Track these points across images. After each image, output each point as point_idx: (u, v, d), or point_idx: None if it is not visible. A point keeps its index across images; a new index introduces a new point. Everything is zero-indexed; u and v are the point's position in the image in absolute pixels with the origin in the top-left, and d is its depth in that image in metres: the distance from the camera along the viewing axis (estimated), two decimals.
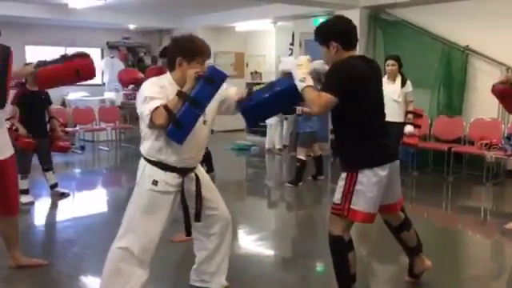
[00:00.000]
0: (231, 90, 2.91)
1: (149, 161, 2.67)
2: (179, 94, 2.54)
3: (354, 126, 2.68)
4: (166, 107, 2.49)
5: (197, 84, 2.56)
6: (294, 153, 7.01)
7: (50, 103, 5.57)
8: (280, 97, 2.84)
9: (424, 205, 5.59)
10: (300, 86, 2.65)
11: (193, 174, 2.79)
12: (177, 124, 2.51)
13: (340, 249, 2.80)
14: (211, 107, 2.72)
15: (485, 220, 5.37)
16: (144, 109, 2.53)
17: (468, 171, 6.69)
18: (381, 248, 4.09)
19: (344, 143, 2.82)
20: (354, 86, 2.61)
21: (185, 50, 2.64)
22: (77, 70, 3.98)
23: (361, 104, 2.64)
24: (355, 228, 2.91)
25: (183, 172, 2.71)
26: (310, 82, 2.65)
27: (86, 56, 4.19)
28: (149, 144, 2.66)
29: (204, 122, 2.72)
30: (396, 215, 3.05)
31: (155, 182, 2.64)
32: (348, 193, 2.71)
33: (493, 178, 6.34)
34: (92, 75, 4.25)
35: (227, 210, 3.02)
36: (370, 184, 2.67)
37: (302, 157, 6.16)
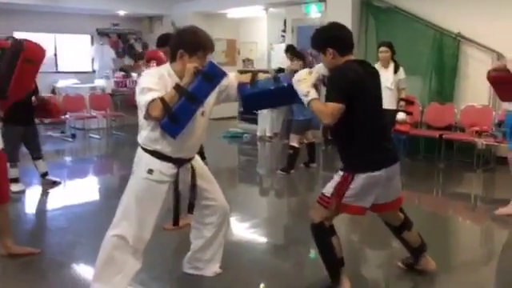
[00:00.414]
0: (231, 77, 2.87)
1: (145, 150, 2.67)
2: (177, 87, 2.53)
3: (353, 128, 2.68)
4: (162, 100, 2.48)
5: (195, 79, 2.54)
6: (286, 140, 7.02)
7: (37, 91, 5.46)
8: (283, 93, 2.83)
9: (415, 191, 5.63)
10: (305, 100, 2.67)
11: (189, 165, 2.79)
12: (172, 118, 2.50)
13: (322, 235, 2.83)
14: (210, 98, 2.70)
15: (475, 206, 5.42)
16: (141, 99, 2.53)
17: (459, 158, 6.74)
18: (372, 234, 4.12)
19: (343, 145, 2.83)
20: (353, 89, 2.63)
21: (187, 43, 2.62)
22: (26, 59, 3.28)
23: (359, 107, 2.65)
24: (346, 215, 2.93)
25: (179, 162, 2.71)
26: (313, 95, 2.66)
27: (18, 42, 3.31)
28: (145, 133, 2.66)
29: (202, 112, 2.71)
30: (395, 215, 3.06)
31: (150, 171, 2.64)
32: (340, 190, 2.73)
33: (483, 164, 6.39)
34: (40, 51, 3.50)
35: (225, 201, 3.04)
36: (365, 186, 2.71)
37: (295, 144, 6.17)
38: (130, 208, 2.68)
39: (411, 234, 3.10)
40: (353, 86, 2.64)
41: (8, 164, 4.98)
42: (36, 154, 5.50)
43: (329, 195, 2.77)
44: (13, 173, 5.09)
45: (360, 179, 2.70)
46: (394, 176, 2.86)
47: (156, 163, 2.65)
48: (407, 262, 3.24)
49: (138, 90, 2.58)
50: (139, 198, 2.66)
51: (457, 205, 5.37)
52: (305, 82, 2.70)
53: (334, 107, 2.58)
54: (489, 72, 4.44)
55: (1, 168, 3.38)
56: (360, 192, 2.72)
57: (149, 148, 2.66)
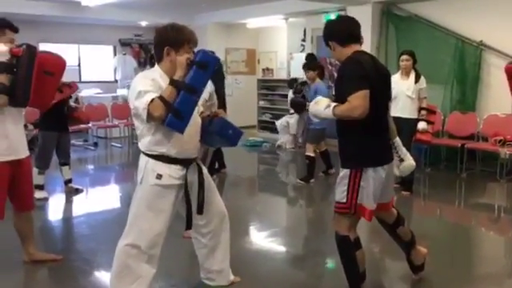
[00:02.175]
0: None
1: (150, 155, 2.64)
2: (173, 82, 2.51)
3: (362, 122, 2.63)
4: (161, 98, 2.46)
5: (190, 70, 2.53)
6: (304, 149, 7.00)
7: (70, 97, 5.63)
8: (210, 132, 2.81)
9: (437, 202, 5.55)
10: (329, 112, 2.66)
11: (195, 164, 2.77)
12: (176, 113, 2.47)
13: (347, 248, 2.81)
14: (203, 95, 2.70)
15: (498, 217, 5.31)
16: (139, 103, 2.50)
17: (482, 168, 6.63)
18: (392, 245, 4.07)
19: (349, 139, 2.79)
20: (368, 79, 2.60)
21: (172, 39, 2.61)
22: (44, 71, 3.27)
23: (369, 100, 2.61)
24: (366, 225, 2.91)
25: (186, 163, 2.69)
26: (332, 103, 2.68)
27: (34, 53, 3.20)
28: (148, 139, 2.63)
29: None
30: (389, 213, 3.06)
31: (159, 176, 2.61)
32: (353, 190, 2.71)
33: (507, 174, 6.27)
34: (60, 62, 3.50)
35: (223, 206, 3.00)
36: (373, 181, 2.69)
37: (310, 153, 6.17)
38: (140, 216, 2.67)
39: (405, 229, 3.11)
40: (367, 74, 2.60)
41: (37, 170, 5.16)
42: (64, 160, 5.64)
43: (344, 200, 2.75)
44: (39, 179, 5.20)
45: (368, 173, 2.68)
46: (391, 174, 2.89)
47: (163, 167, 2.62)
48: (410, 266, 3.23)
49: (133, 94, 2.55)
50: (149, 205, 2.65)
51: (480, 216, 5.28)
52: (322, 102, 2.75)
53: (360, 95, 2.53)
54: (507, 64, 4.37)
55: (26, 175, 3.43)
56: (370, 189, 2.69)
57: (154, 153, 2.63)
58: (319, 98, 2.87)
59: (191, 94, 2.51)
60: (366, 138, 2.70)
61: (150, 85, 2.54)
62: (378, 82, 2.69)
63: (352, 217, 2.77)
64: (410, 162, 3.01)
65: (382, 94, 2.74)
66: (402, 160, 2.98)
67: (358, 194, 2.70)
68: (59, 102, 5.09)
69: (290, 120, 8.74)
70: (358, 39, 2.79)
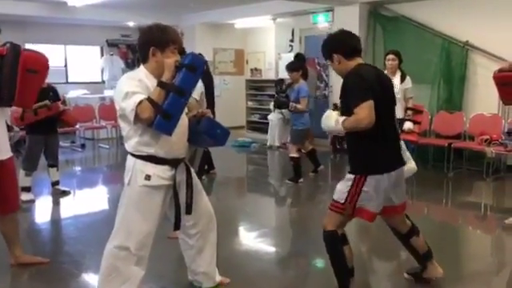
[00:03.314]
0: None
1: (138, 156, 2.61)
2: (162, 84, 2.50)
3: (367, 131, 2.65)
4: (150, 100, 2.45)
5: (179, 73, 2.53)
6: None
7: (59, 99, 5.59)
8: (198, 132, 2.81)
9: (424, 201, 5.59)
10: (340, 127, 2.73)
11: (183, 165, 2.76)
12: (165, 115, 2.45)
13: (335, 243, 2.83)
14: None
15: (485, 215, 5.37)
16: (126, 105, 2.47)
17: (468, 167, 6.70)
18: (380, 244, 4.10)
19: (356, 147, 2.84)
20: (371, 91, 2.65)
21: (157, 39, 2.60)
22: (27, 69, 3.18)
23: (375, 106, 2.64)
24: (354, 224, 2.92)
25: (174, 163, 2.68)
26: (341, 118, 2.74)
27: (18, 52, 3.16)
28: (135, 140, 2.60)
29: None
30: (402, 221, 3.05)
31: (148, 177, 2.59)
32: (355, 194, 2.74)
33: (493, 173, 6.34)
34: (42, 60, 3.41)
35: (210, 206, 2.99)
36: (378, 187, 2.72)
37: (293, 154, 6.18)
38: (128, 217, 2.64)
39: (419, 240, 3.08)
40: (370, 86, 2.66)
41: (24, 172, 5.11)
42: (52, 162, 5.60)
43: (342, 201, 2.77)
44: (26, 181, 5.15)
45: (373, 180, 2.71)
46: (402, 178, 2.90)
47: (152, 168, 2.60)
48: (413, 272, 3.22)
49: (119, 96, 2.52)
50: (137, 207, 2.62)
51: (466, 214, 5.33)
52: (331, 118, 2.81)
53: (365, 107, 2.59)
54: (494, 72, 4.44)
55: (10, 176, 3.39)
56: (373, 194, 2.72)
57: (142, 154, 2.60)
58: (328, 112, 2.92)
59: (180, 96, 2.51)
60: (372, 147, 2.74)
61: (136, 85, 2.52)
62: (382, 92, 2.75)
63: (344, 217, 2.80)
64: (411, 165, 3.06)
65: (386, 104, 2.79)
66: (404, 163, 3.00)
67: (359, 197, 2.74)
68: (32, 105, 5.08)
69: (273, 118, 8.77)
70: (360, 52, 2.85)
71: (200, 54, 3.20)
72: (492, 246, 4.43)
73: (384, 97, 2.78)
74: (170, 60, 2.55)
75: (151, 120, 2.47)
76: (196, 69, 2.56)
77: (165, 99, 2.48)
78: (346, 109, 2.75)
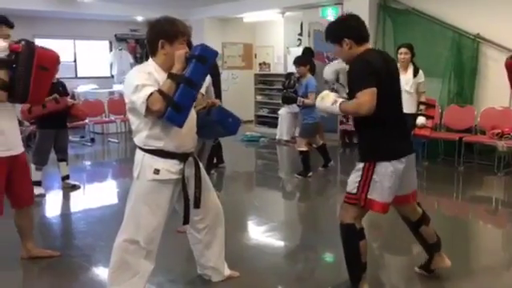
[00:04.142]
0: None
1: (147, 150, 2.62)
2: (172, 76, 2.49)
3: (374, 117, 2.64)
4: (160, 92, 2.45)
5: (189, 64, 2.51)
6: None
7: (67, 94, 5.62)
8: (210, 123, 2.85)
9: (435, 195, 5.55)
10: (336, 109, 2.70)
11: (192, 159, 2.75)
12: (176, 107, 2.45)
13: (352, 237, 2.80)
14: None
15: (496, 210, 5.32)
16: (137, 98, 2.47)
17: (479, 161, 6.64)
18: (392, 239, 4.08)
19: (364, 134, 2.83)
20: (377, 76, 2.62)
21: (166, 32, 2.59)
22: (40, 66, 3.17)
23: (382, 93, 2.62)
24: (366, 219, 2.90)
25: (183, 157, 2.68)
26: (340, 100, 2.71)
27: (32, 48, 3.17)
28: (145, 134, 2.60)
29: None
30: (413, 209, 3.03)
31: (157, 171, 2.59)
32: (365, 184, 2.72)
33: (504, 167, 6.27)
34: (54, 57, 3.41)
35: (218, 201, 2.99)
36: (387, 175, 2.69)
37: (302, 148, 6.16)
38: (138, 211, 2.65)
39: (429, 230, 3.06)
40: (376, 72, 2.63)
41: (34, 167, 5.15)
42: (62, 156, 5.64)
43: (355, 191, 2.75)
44: (36, 176, 5.19)
45: (382, 167, 2.68)
46: (412, 166, 2.87)
47: (161, 162, 2.60)
48: (423, 265, 3.19)
49: (129, 89, 2.51)
50: (146, 201, 2.63)
51: (477, 208, 5.29)
52: (328, 97, 2.77)
53: (367, 93, 2.56)
54: (506, 59, 4.37)
55: (24, 170, 3.43)
56: (384, 183, 2.69)
57: (151, 148, 2.60)
58: (325, 92, 2.87)
59: (191, 88, 2.50)
60: (379, 133, 2.72)
61: (145, 78, 2.51)
62: (389, 76, 2.72)
63: (360, 208, 2.77)
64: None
65: (392, 88, 2.77)
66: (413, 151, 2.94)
67: (370, 187, 2.71)
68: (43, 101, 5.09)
69: (283, 112, 8.73)
70: (368, 38, 2.82)
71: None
72: (503, 241, 4.39)
73: (391, 81, 2.75)
74: (180, 52, 2.54)
75: (162, 112, 2.46)
76: (207, 60, 2.55)
77: (175, 91, 2.47)
78: (350, 94, 2.71)
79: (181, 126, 2.52)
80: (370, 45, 2.82)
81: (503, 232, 4.63)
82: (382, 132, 2.72)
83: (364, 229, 2.84)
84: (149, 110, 2.47)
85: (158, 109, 2.45)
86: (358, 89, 2.59)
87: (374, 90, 2.57)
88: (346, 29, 2.79)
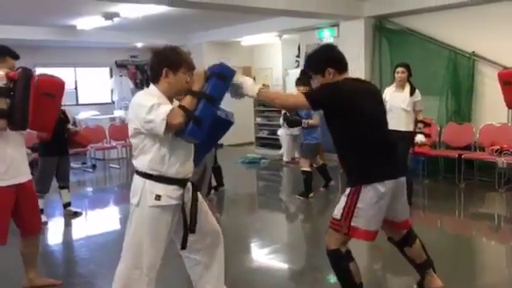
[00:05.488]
0: None
1: (148, 176, 2.61)
2: (193, 93, 2.53)
3: (352, 141, 2.69)
4: (182, 107, 2.48)
5: (209, 82, 2.56)
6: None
7: (68, 121, 5.66)
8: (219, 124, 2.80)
9: (437, 213, 5.55)
10: (254, 88, 2.75)
11: (189, 185, 2.76)
12: (197, 121, 2.47)
13: (339, 261, 2.81)
14: None
15: (499, 226, 5.31)
16: (156, 115, 2.45)
17: (480, 177, 6.64)
18: (393, 259, 4.05)
19: (344, 158, 2.85)
20: (344, 102, 2.68)
21: (170, 61, 2.61)
22: (44, 93, 3.22)
23: (355, 120, 2.67)
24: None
25: (183, 183, 2.68)
26: (259, 85, 2.78)
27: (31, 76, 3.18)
28: (150, 156, 2.58)
29: None
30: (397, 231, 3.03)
31: (158, 197, 2.59)
32: (349, 211, 2.72)
33: (505, 183, 6.28)
34: (58, 84, 3.48)
35: (216, 224, 2.97)
36: (372, 202, 2.69)
37: (306, 168, 6.18)
38: (140, 239, 2.64)
39: (413, 250, 3.03)
40: (340, 99, 2.68)
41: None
42: (63, 183, 5.65)
43: (338, 218, 2.76)
44: (39, 203, 5.17)
45: (367, 195, 2.68)
46: (400, 193, 2.83)
47: (161, 188, 2.60)
48: (419, 285, 3.17)
49: (143, 110, 2.48)
50: (149, 228, 2.62)
51: (480, 225, 5.27)
52: (250, 79, 2.79)
53: (300, 97, 2.76)
54: (499, 72, 4.44)
55: (31, 198, 3.43)
56: (368, 210, 2.68)
57: (153, 173, 2.60)
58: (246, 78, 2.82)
59: (212, 104, 2.55)
60: (361, 157, 2.74)
61: (158, 98, 2.54)
62: (366, 102, 2.74)
63: (344, 235, 2.77)
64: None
65: (375, 115, 2.80)
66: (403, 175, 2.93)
67: (353, 215, 2.71)
68: (58, 127, 5.13)
69: (282, 133, 8.76)
70: (347, 67, 2.87)
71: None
72: (507, 258, 4.37)
73: (372, 108, 2.78)
74: (200, 70, 2.60)
75: (181, 126, 2.48)
76: (226, 77, 2.61)
77: (196, 107, 2.51)
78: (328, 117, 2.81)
79: (201, 140, 2.55)
80: (349, 74, 2.87)
81: (506, 249, 4.61)
82: (361, 155, 2.73)
83: (350, 251, 2.83)
84: (169, 126, 2.46)
85: (178, 122, 2.45)
86: (308, 94, 2.78)
87: (307, 105, 2.73)
88: (328, 58, 2.84)
